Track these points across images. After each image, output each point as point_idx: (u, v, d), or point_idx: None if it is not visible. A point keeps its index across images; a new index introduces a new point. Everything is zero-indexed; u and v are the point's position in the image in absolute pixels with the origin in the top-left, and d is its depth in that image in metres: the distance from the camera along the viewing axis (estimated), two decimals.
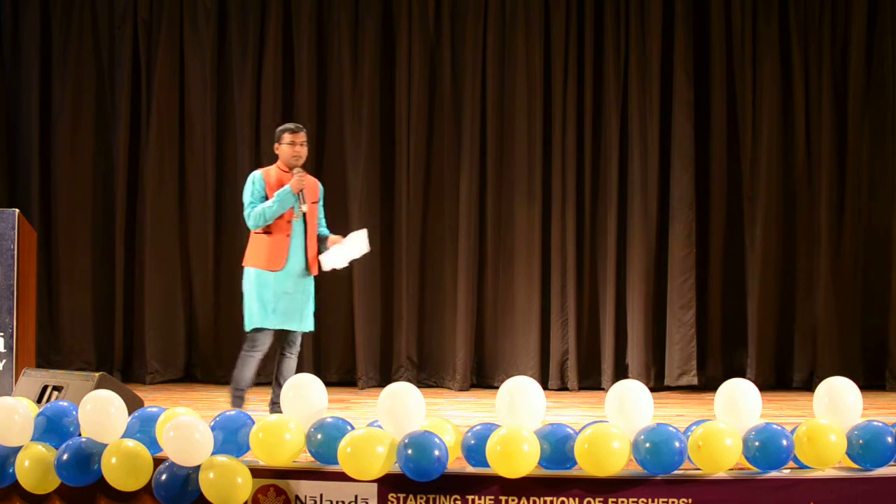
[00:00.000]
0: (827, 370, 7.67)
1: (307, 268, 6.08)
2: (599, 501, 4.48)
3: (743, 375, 7.92)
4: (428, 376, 8.44)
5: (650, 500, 4.47)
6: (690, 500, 4.48)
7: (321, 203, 6.27)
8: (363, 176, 8.37)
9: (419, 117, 8.41)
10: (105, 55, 8.55)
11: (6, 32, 8.54)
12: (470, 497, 4.53)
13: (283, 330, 6.11)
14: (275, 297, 6.02)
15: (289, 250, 6.02)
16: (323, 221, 6.31)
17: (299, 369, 7.82)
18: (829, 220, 8.22)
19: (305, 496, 4.60)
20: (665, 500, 4.48)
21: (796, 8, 8.27)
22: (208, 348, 8.54)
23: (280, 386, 6.03)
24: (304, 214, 6.04)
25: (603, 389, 8.02)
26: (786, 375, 8.33)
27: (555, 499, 4.49)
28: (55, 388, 5.58)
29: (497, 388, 4.99)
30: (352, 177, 8.38)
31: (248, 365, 6.11)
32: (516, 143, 8.38)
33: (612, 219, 8.31)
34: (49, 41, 8.54)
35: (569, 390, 8.23)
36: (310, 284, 6.14)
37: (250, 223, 6.06)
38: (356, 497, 4.56)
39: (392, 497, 4.55)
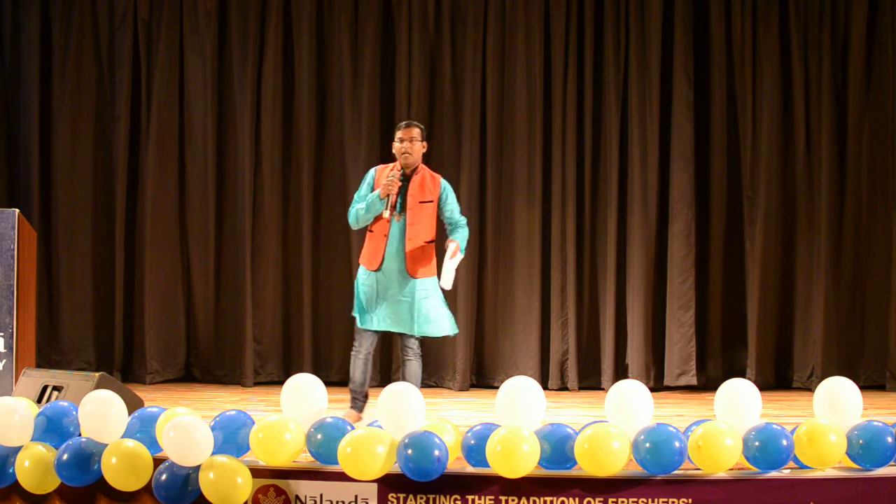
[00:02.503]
0: (827, 370, 7.68)
1: (406, 270, 5.87)
2: (599, 501, 4.48)
3: (743, 375, 7.92)
4: (428, 376, 8.42)
5: (650, 500, 4.48)
6: (690, 500, 4.48)
7: (446, 202, 6.03)
8: (363, 176, 8.35)
9: (419, 117, 8.39)
10: (105, 55, 8.55)
11: (6, 32, 8.54)
12: (470, 497, 4.53)
13: (394, 333, 6.00)
14: (371, 297, 5.90)
15: (384, 251, 5.86)
16: (454, 220, 6.05)
17: (299, 369, 7.90)
18: (829, 220, 8.22)
19: (305, 496, 4.60)
20: (665, 500, 4.48)
21: (796, 8, 8.27)
22: (208, 348, 8.54)
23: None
24: (406, 215, 5.85)
25: (603, 389, 8.02)
26: (786, 375, 8.34)
27: (555, 499, 4.50)
28: (55, 388, 5.58)
29: (497, 388, 5.00)
30: (352, 176, 8.38)
31: (354, 364, 6.05)
32: (516, 143, 8.38)
33: (612, 219, 8.31)
34: (49, 41, 8.53)
35: (569, 390, 8.23)
36: (417, 287, 5.88)
37: (350, 221, 6.02)
38: (356, 497, 4.57)
39: (392, 497, 4.55)
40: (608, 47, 8.36)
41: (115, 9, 8.50)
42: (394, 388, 4.67)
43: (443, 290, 6.02)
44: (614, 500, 4.48)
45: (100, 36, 8.54)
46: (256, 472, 4.62)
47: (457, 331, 6.25)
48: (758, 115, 8.29)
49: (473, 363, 8.41)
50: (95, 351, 8.52)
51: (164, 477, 4.59)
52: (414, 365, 6.06)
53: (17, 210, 6.39)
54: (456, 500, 4.54)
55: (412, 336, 5.99)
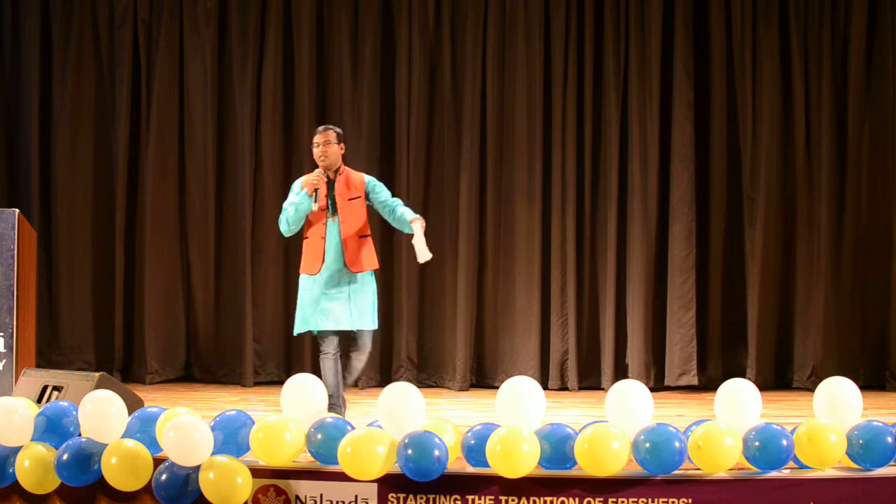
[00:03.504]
0: (827, 370, 7.68)
1: (347, 266, 5.98)
2: (599, 501, 4.48)
3: (743, 375, 7.92)
4: (428, 376, 8.44)
5: (650, 500, 4.48)
6: (690, 500, 4.48)
7: (374, 192, 6.12)
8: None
9: (419, 117, 8.40)
10: (105, 55, 8.55)
11: (6, 32, 8.54)
12: (470, 497, 4.53)
13: (346, 331, 6.06)
14: (318, 300, 5.98)
15: (324, 252, 5.97)
16: (390, 203, 6.13)
17: (299, 369, 7.90)
18: (829, 219, 8.22)
19: (305, 496, 4.60)
20: (665, 500, 4.48)
21: (796, 8, 8.27)
22: (208, 348, 8.54)
23: (343, 382, 6.07)
24: (338, 214, 5.97)
25: (603, 389, 8.02)
26: (786, 375, 8.34)
27: (555, 499, 4.50)
28: (55, 388, 5.58)
29: (497, 388, 5.00)
30: None
31: (323, 368, 6.05)
32: (516, 143, 8.38)
33: (612, 219, 8.31)
34: (49, 41, 8.53)
35: (569, 390, 8.23)
36: (360, 282, 6.03)
37: (281, 229, 6.08)
38: (356, 497, 4.57)
39: (392, 497, 4.55)
40: (608, 47, 8.36)
41: (115, 9, 8.51)
42: (394, 388, 4.66)
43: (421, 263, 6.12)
44: (614, 500, 4.48)
45: (100, 36, 8.55)
46: (256, 472, 4.62)
47: (376, 327, 6.27)
48: (758, 115, 8.28)
49: (473, 363, 8.41)
50: (95, 351, 8.52)
51: (164, 477, 4.59)
52: (360, 361, 6.14)
53: (17, 210, 6.40)
54: (456, 500, 4.54)
55: (364, 332, 6.10)
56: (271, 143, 8.47)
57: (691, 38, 8.33)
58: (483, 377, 8.43)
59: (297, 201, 5.98)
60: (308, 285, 6.04)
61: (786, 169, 8.33)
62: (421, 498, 4.55)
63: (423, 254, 5.98)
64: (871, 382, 8.10)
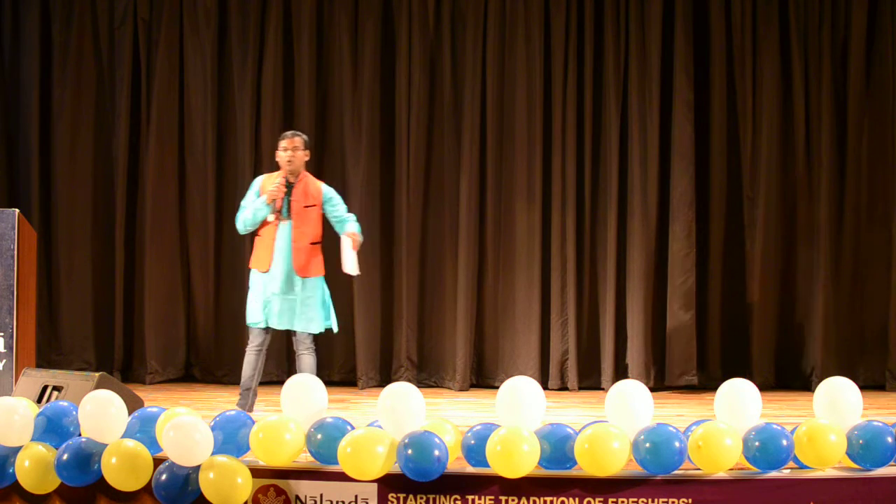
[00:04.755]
0: (827, 370, 7.67)
1: (293, 270, 6.31)
2: (599, 501, 4.49)
3: (743, 375, 7.86)
4: (428, 376, 8.44)
5: (650, 500, 4.48)
6: (690, 500, 4.48)
7: (331, 203, 6.50)
8: (363, 176, 8.37)
9: (419, 117, 8.40)
10: (105, 55, 8.55)
11: (6, 33, 8.54)
12: (470, 497, 4.53)
13: (288, 330, 6.43)
14: (263, 297, 6.35)
15: (273, 253, 6.28)
16: (342, 217, 6.53)
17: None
18: (828, 219, 8.22)
19: (305, 496, 4.60)
20: (665, 500, 4.48)
21: (796, 8, 8.27)
22: (208, 348, 8.54)
23: None
24: (291, 219, 6.29)
25: (603, 389, 8.02)
26: (786, 375, 8.33)
27: (555, 499, 4.50)
28: (55, 388, 5.58)
29: (497, 388, 5.00)
30: (352, 177, 8.38)
31: (245, 361, 6.42)
32: (516, 144, 8.38)
33: (612, 219, 8.30)
34: (49, 41, 8.53)
35: (569, 390, 8.23)
36: (307, 286, 6.37)
37: (237, 227, 6.44)
38: (356, 497, 4.57)
39: (392, 497, 4.55)
40: (608, 47, 8.35)
41: (115, 9, 8.50)
42: (394, 388, 4.67)
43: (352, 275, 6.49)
44: (614, 500, 4.48)
45: (100, 36, 8.55)
46: (256, 472, 4.62)
47: (336, 328, 6.64)
48: (758, 115, 8.28)
49: (473, 363, 8.41)
50: (95, 351, 8.52)
51: (164, 477, 4.60)
52: (308, 359, 6.44)
53: (17, 210, 6.40)
54: (456, 500, 4.54)
55: (305, 333, 6.42)
56: (271, 143, 8.45)
57: (691, 38, 8.32)
58: (483, 377, 8.43)
59: (257, 207, 6.31)
60: (259, 281, 6.39)
61: (786, 169, 8.33)
62: (421, 498, 4.55)
63: (352, 267, 6.31)
64: (871, 382, 8.10)
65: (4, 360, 6.21)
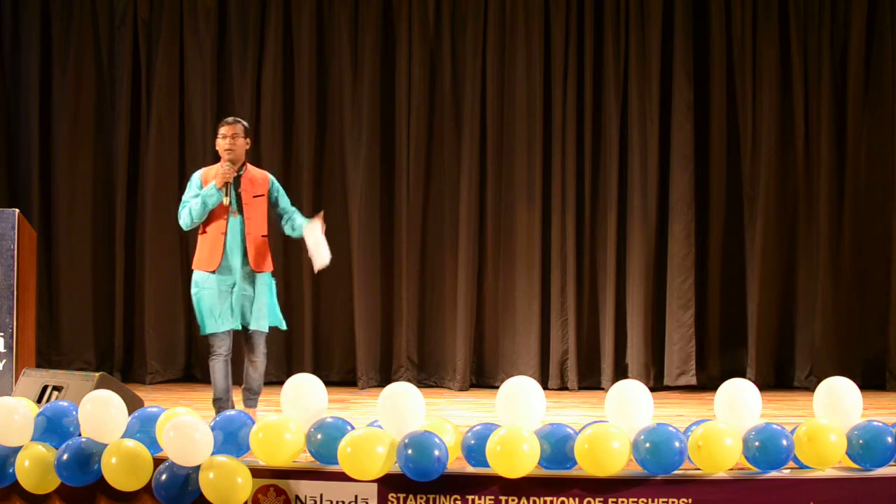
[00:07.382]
0: (827, 370, 7.67)
1: (249, 265, 5.84)
2: (599, 501, 4.49)
3: (743, 375, 7.91)
4: (428, 376, 8.44)
5: (650, 500, 4.48)
6: (690, 500, 4.48)
7: (278, 194, 6.03)
8: (363, 176, 8.37)
9: (419, 117, 8.40)
10: (105, 55, 8.55)
11: (6, 32, 8.54)
12: (470, 497, 4.53)
13: (240, 331, 5.92)
14: (216, 298, 5.81)
15: (224, 249, 5.80)
16: (289, 209, 6.04)
17: (299, 369, 7.89)
18: (828, 219, 8.22)
19: (305, 496, 4.60)
20: (665, 500, 4.48)
21: (796, 8, 8.27)
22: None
23: (246, 391, 5.95)
24: (243, 211, 5.83)
25: (603, 389, 8.02)
26: (786, 375, 8.34)
27: (555, 499, 4.50)
28: (55, 388, 5.58)
29: (497, 388, 5.00)
30: (352, 177, 8.38)
31: (213, 371, 5.93)
32: (516, 143, 8.38)
33: (611, 219, 8.31)
34: (49, 41, 8.53)
35: (569, 390, 8.23)
36: (258, 282, 5.87)
37: (180, 223, 5.92)
38: (356, 497, 4.57)
39: (392, 497, 4.55)
40: (608, 47, 8.36)
41: (115, 9, 8.50)
42: (394, 388, 4.67)
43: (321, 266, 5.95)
44: (614, 500, 4.48)
45: (100, 36, 8.55)
46: (256, 472, 4.62)
47: (284, 326, 6.15)
48: (758, 115, 8.28)
49: (473, 363, 8.41)
50: (95, 351, 8.52)
51: (164, 477, 4.60)
52: (259, 367, 5.97)
53: (17, 210, 6.39)
54: (456, 500, 4.54)
55: (259, 333, 5.92)
56: (271, 142, 8.47)
57: (691, 38, 8.33)
58: (483, 377, 8.43)
59: (207, 194, 5.78)
60: (208, 283, 5.83)
61: (785, 168, 8.33)
62: (421, 498, 4.55)
63: (325, 254, 5.82)
64: (871, 382, 8.09)
65: (4, 360, 6.21)
